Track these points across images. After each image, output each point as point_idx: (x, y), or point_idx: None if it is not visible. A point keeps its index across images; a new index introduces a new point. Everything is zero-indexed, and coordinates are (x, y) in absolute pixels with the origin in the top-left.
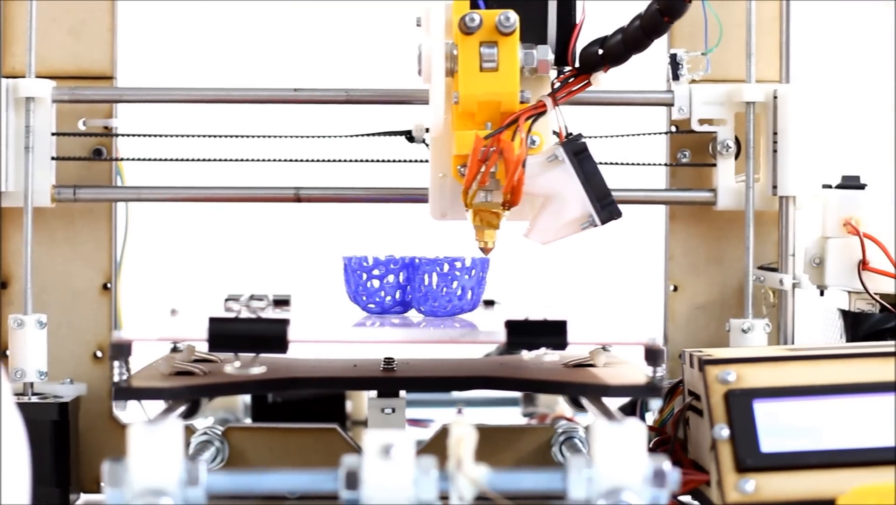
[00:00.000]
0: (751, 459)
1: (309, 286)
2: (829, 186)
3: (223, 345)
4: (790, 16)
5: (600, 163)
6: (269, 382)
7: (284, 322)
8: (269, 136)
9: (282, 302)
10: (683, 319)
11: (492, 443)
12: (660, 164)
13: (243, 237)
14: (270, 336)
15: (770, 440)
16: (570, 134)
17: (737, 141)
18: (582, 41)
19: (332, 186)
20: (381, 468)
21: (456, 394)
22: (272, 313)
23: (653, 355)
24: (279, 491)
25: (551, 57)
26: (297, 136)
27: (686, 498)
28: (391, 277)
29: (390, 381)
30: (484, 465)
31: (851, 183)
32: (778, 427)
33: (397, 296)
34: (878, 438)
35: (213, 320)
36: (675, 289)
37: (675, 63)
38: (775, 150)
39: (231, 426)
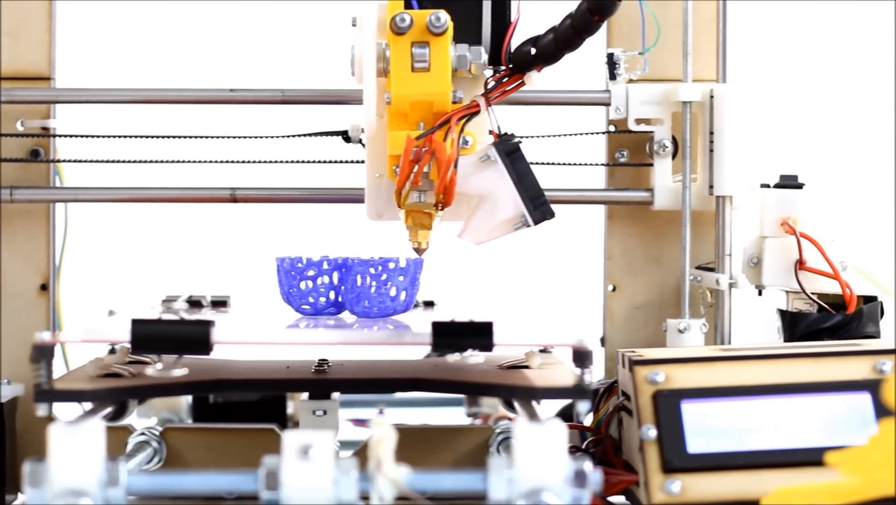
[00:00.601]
0: (677, 459)
1: (249, 286)
2: (767, 186)
3: (146, 347)
4: (727, 16)
5: (539, 163)
6: (194, 384)
7: (208, 323)
8: (206, 137)
9: (220, 303)
10: (622, 319)
11: (430, 443)
12: (595, 164)
13: (184, 237)
14: (193, 338)
15: (697, 441)
16: (504, 134)
17: (674, 140)
18: (517, 41)
19: (268, 187)
20: (300, 469)
21: (400, 394)
22: (210, 314)
23: (581, 357)
24: (200, 492)
25: (485, 57)
26: (233, 137)
27: (620, 499)
28: (325, 278)
29: (318, 382)
30: (404, 465)
31: (789, 182)
32: (705, 428)
33: (331, 297)
34: (804, 438)
35: (135, 322)
36: (614, 289)
37: (612, 62)
38: (712, 150)
39: (169, 427)
